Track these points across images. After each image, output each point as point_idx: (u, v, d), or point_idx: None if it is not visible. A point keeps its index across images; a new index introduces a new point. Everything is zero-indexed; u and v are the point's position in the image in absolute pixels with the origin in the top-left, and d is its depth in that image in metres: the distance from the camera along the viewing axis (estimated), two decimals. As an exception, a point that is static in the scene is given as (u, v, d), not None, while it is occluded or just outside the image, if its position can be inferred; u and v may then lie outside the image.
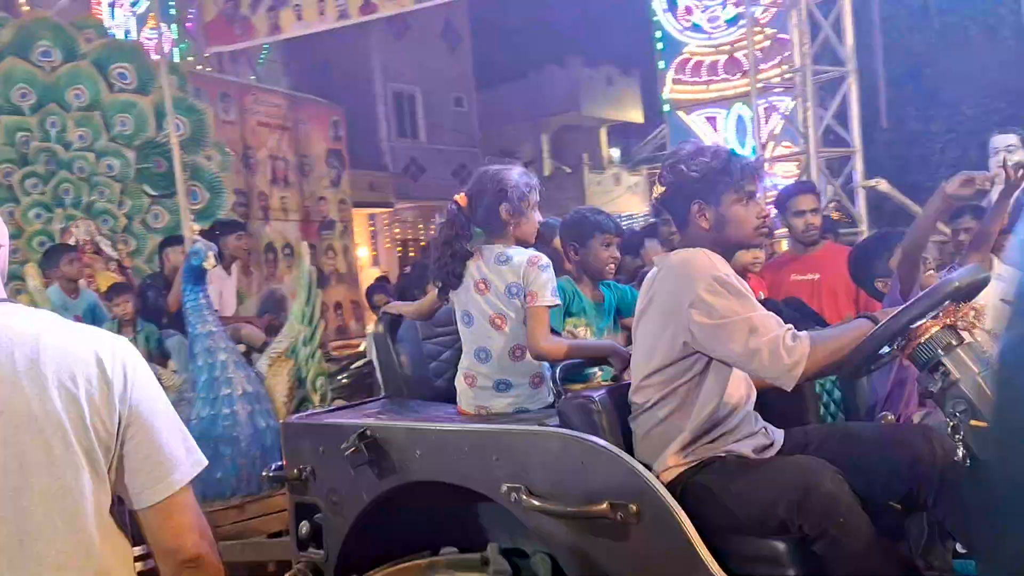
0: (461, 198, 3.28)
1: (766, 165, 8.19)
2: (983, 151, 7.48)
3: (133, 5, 11.29)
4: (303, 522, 3.21)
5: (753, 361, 2.33)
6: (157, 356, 6.26)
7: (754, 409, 2.65)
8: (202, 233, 7.01)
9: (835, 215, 7.32)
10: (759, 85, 7.34)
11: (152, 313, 6.49)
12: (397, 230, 21.38)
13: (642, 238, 5.67)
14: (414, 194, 20.78)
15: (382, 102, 20.94)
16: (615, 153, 30.34)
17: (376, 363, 3.90)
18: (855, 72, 7.12)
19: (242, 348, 6.61)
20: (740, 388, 2.56)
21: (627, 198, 25.71)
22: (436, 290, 3.40)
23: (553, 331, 3.20)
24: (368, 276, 20.25)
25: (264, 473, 3.42)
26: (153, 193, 7.71)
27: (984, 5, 7.66)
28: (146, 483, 1.57)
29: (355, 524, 3.05)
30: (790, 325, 2.37)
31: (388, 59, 20.83)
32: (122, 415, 1.54)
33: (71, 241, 7.45)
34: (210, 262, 5.69)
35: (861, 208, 7.41)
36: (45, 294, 6.12)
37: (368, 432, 2.98)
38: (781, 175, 8.06)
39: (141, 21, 11.50)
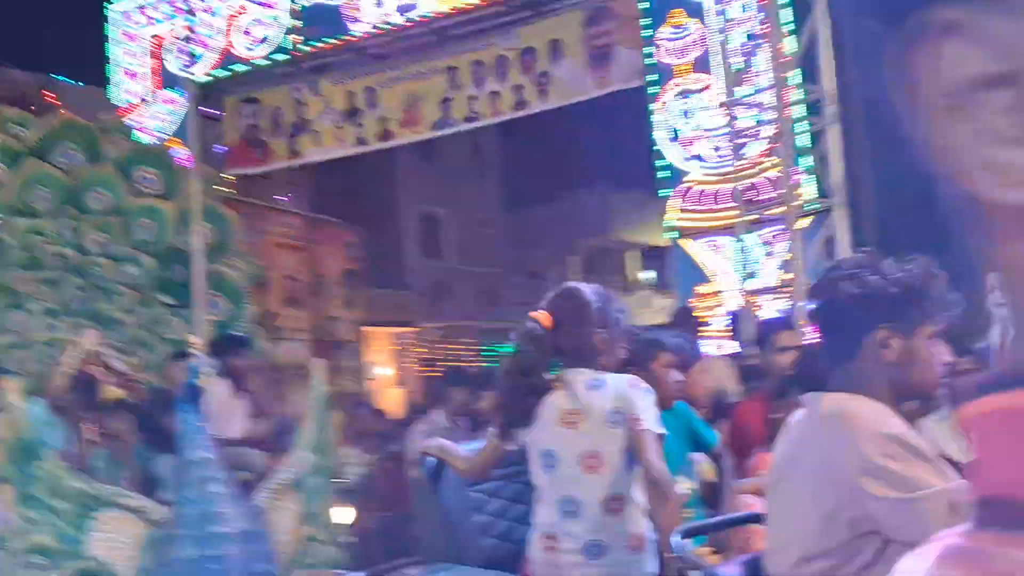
0: (544, 317, 2.67)
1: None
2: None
3: (156, 130, 11.62)
4: None
5: None
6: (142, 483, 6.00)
7: None
8: (209, 348, 6.81)
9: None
10: (754, 217, 7.47)
11: (152, 433, 6.22)
12: (422, 350, 21.35)
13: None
14: (439, 315, 20.84)
15: (408, 223, 21.24)
16: (648, 276, 30.20)
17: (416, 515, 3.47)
18: (843, 205, 7.12)
19: (248, 476, 6.28)
20: None
21: (658, 321, 25.40)
22: (495, 439, 2.79)
23: None
24: (392, 397, 20.20)
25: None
26: (170, 302, 7.51)
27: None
28: None
29: None
30: None
31: (415, 181, 21.23)
32: None
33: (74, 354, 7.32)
34: (206, 380, 5.52)
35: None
36: (24, 409, 5.92)
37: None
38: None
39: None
